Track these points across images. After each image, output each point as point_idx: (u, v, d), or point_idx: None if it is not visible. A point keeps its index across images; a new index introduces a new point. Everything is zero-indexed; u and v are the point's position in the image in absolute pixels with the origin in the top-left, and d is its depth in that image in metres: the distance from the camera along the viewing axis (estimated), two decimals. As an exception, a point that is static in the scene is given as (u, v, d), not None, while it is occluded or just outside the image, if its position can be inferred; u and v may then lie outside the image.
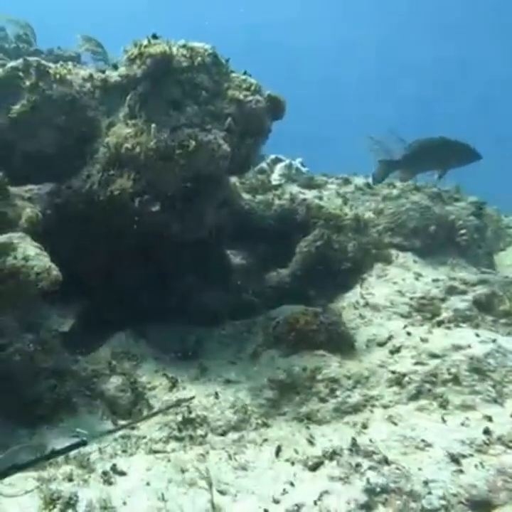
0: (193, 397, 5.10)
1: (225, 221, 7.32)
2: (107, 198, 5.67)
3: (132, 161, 5.55)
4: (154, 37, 5.72)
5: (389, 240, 7.05)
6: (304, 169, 8.40)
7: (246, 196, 7.88)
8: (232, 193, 7.73)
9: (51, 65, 5.96)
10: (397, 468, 4.04)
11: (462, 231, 6.90)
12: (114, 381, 5.54)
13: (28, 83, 5.80)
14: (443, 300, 5.98)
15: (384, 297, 6.31)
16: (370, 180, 7.73)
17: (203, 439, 4.99)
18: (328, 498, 3.97)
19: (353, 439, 4.33)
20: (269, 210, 7.71)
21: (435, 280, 6.28)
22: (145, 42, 5.67)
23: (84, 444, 3.48)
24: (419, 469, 4.06)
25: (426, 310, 5.93)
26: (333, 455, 4.31)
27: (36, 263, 5.08)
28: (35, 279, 5.04)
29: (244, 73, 6.03)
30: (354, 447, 4.27)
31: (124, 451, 4.88)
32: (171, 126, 5.48)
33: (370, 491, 3.92)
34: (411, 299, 6.16)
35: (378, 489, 3.91)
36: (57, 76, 5.86)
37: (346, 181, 7.99)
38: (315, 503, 3.92)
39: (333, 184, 7.95)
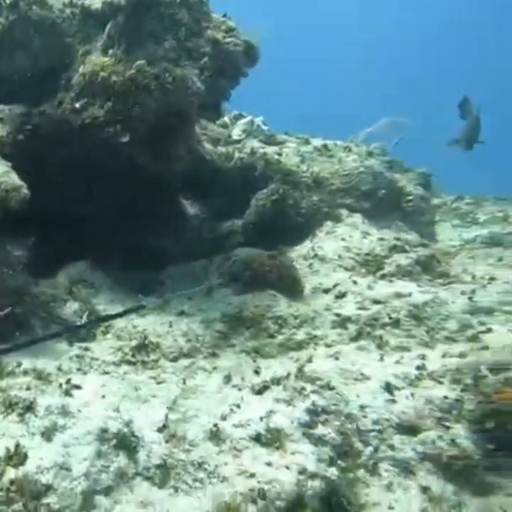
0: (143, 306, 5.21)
1: (187, 167, 7.52)
2: (79, 126, 5.75)
3: (107, 90, 5.64)
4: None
5: (341, 200, 7.42)
6: (264, 127, 8.63)
7: (208, 146, 8.06)
8: (195, 141, 7.91)
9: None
10: (338, 394, 4.44)
11: (409, 198, 7.35)
12: (71, 306, 5.72)
13: (8, 1, 5.75)
14: (386, 257, 6.42)
15: (332, 251, 6.70)
16: (327, 142, 8.09)
17: (155, 364, 5.27)
18: (273, 417, 4.32)
19: (300, 366, 4.70)
20: (229, 162, 7.94)
21: (380, 239, 6.71)
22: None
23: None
24: (357, 396, 4.46)
25: (370, 264, 6.35)
26: (279, 380, 4.66)
27: (5, 180, 5.15)
28: (5, 196, 5.12)
29: (224, 16, 6.17)
30: (300, 373, 4.63)
31: (78, 370, 5.10)
32: (149, 59, 5.58)
33: (312, 411, 4.30)
34: (357, 254, 6.57)
35: (319, 410, 4.30)
36: (38, -2, 5.83)
37: (306, 141, 8.30)
38: (261, 419, 4.26)
39: (292, 143, 8.25)
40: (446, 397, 4.31)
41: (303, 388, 4.47)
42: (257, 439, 4.09)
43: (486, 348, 4.57)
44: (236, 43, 5.94)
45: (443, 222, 8.08)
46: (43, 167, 5.96)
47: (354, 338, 5.33)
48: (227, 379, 4.99)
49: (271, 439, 4.10)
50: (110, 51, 5.66)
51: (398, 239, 6.60)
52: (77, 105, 5.68)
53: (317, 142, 8.26)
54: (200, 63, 5.74)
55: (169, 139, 5.85)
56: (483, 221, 7.92)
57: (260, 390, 4.70)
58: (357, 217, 7.23)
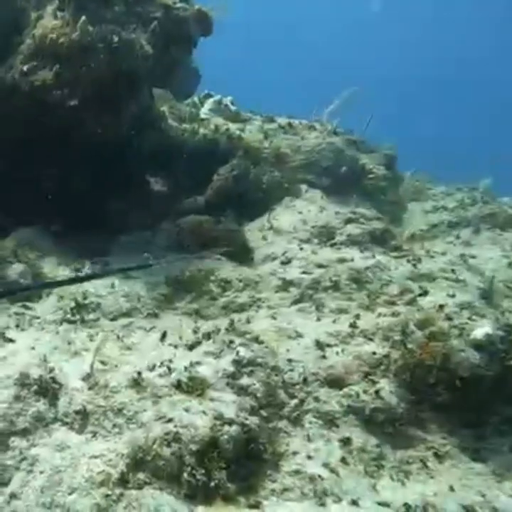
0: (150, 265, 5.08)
1: (150, 143, 7.52)
2: (29, 89, 5.74)
3: (55, 53, 5.64)
4: None
5: (302, 176, 7.39)
6: (232, 107, 8.61)
7: (174, 124, 8.05)
8: (160, 117, 7.91)
9: None
10: (266, 347, 4.39)
11: (370, 176, 7.31)
12: (17, 268, 5.69)
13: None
14: (339, 228, 6.38)
15: (288, 224, 6.66)
16: (292, 121, 8.10)
17: (94, 323, 5.23)
18: (198, 367, 4.26)
19: (231, 320, 4.65)
20: (193, 138, 7.92)
21: (337, 213, 6.67)
22: None
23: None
24: (287, 351, 4.42)
25: (323, 235, 6.31)
26: (210, 334, 4.62)
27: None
28: None
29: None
30: (231, 327, 4.60)
31: (16, 326, 5.07)
32: (97, 21, 5.57)
33: (237, 362, 4.24)
34: (313, 226, 6.53)
35: (245, 362, 4.24)
36: (-11, -39, 5.85)
37: (270, 119, 8.29)
38: (185, 369, 4.20)
39: (257, 121, 8.23)
40: (374, 353, 4.27)
41: (231, 341, 4.43)
42: (178, 386, 4.03)
43: (419, 309, 4.52)
44: (185, 8, 5.92)
45: (409, 204, 8.00)
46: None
47: (296, 301, 5.29)
48: (164, 337, 4.95)
49: (192, 387, 4.05)
50: (60, 14, 5.65)
51: (354, 212, 6.56)
52: (25, 68, 5.66)
53: (282, 120, 8.25)
54: (150, 28, 5.73)
55: (117, 104, 5.84)
56: (453, 207, 7.84)
57: (193, 345, 4.66)
58: (316, 193, 7.20)
